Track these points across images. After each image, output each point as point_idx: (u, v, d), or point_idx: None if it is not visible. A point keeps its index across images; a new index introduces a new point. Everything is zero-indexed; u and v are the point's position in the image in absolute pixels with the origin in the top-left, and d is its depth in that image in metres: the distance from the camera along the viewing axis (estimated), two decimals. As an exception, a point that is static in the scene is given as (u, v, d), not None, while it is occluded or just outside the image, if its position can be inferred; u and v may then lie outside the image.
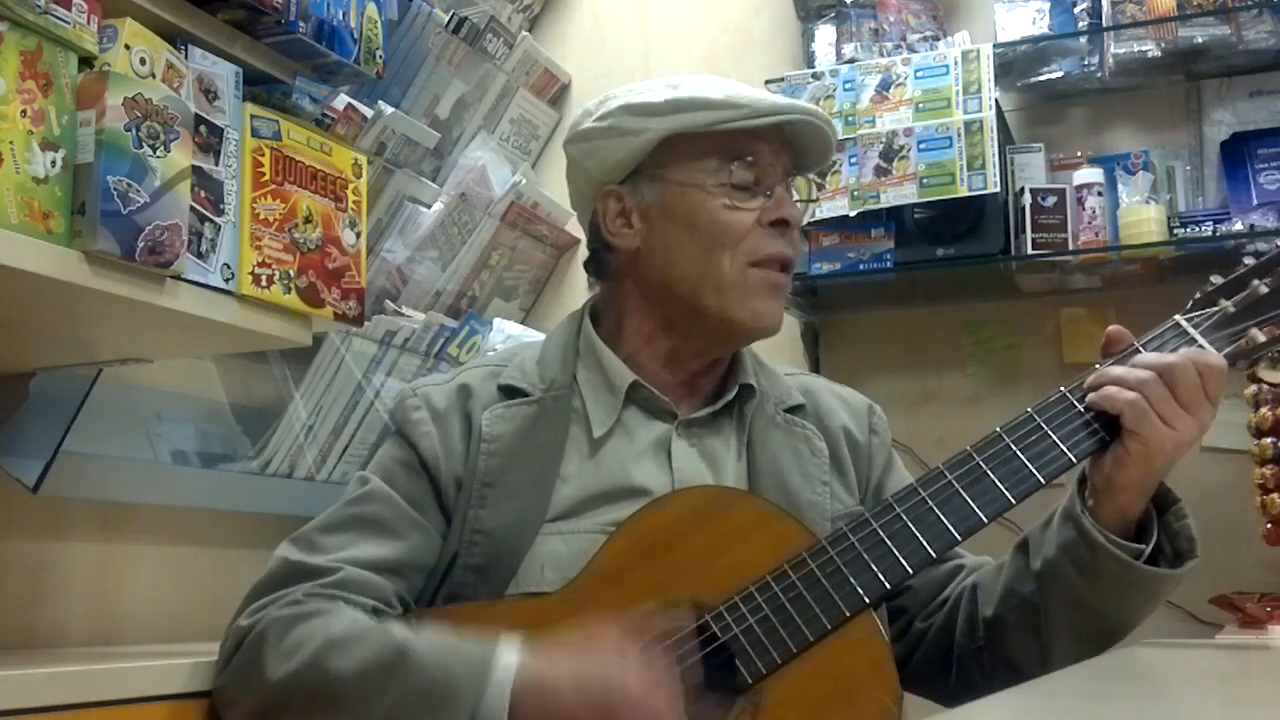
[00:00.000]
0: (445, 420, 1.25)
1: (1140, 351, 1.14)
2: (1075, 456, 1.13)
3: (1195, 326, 1.15)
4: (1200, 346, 1.13)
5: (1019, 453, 1.13)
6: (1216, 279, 1.19)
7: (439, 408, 1.26)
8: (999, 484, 1.12)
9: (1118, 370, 1.12)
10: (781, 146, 1.29)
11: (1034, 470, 1.12)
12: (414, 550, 1.20)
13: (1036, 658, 1.17)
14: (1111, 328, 1.18)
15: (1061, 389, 1.16)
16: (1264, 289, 1.15)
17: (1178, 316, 1.16)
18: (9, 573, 1.57)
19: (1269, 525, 1.85)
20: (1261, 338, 1.14)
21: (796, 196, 1.33)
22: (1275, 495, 1.83)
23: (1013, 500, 1.11)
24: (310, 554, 1.17)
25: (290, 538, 1.22)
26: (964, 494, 1.12)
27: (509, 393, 1.27)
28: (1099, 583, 1.12)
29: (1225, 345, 1.14)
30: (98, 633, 1.68)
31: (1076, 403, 1.14)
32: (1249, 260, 1.18)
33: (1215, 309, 1.16)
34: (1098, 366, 1.16)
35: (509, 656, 1.05)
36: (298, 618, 1.11)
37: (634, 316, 1.30)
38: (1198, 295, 1.18)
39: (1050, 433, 1.13)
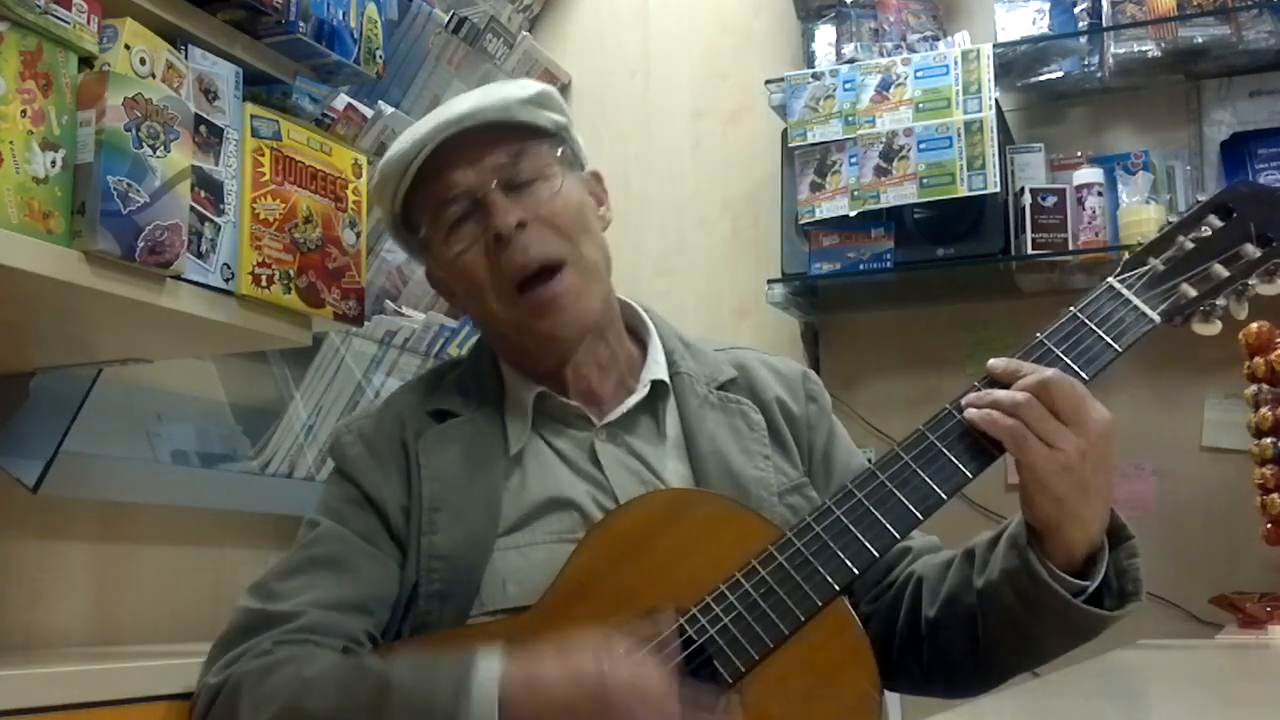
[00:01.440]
0: (381, 453, 1.24)
1: (1045, 345, 1.15)
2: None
3: (1129, 287, 1.17)
4: (1136, 306, 1.15)
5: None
6: (1145, 239, 1.21)
7: (373, 440, 1.25)
8: (954, 460, 1.12)
9: (997, 393, 1.12)
10: (467, 153, 1.22)
11: (990, 445, 1.13)
12: (374, 584, 1.18)
13: (971, 664, 1.18)
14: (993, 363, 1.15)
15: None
16: (1189, 244, 1.18)
17: (1110, 279, 1.18)
18: (9, 573, 1.57)
19: (1269, 525, 1.85)
20: (1192, 292, 1.16)
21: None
22: (1275, 495, 1.83)
23: (969, 475, 1.12)
24: (270, 602, 1.15)
25: (248, 588, 1.19)
26: (922, 474, 1.12)
27: (440, 416, 1.27)
28: (1036, 613, 1.12)
29: (1159, 303, 1.16)
30: (98, 633, 1.68)
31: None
32: (1172, 219, 1.20)
33: (1146, 268, 1.18)
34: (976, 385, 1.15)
35: (490, 666, 1.03)
36: (269, 668, 1.08)
37: (506, 353, 1.32)
38: (1127, 256, 1.20)
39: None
